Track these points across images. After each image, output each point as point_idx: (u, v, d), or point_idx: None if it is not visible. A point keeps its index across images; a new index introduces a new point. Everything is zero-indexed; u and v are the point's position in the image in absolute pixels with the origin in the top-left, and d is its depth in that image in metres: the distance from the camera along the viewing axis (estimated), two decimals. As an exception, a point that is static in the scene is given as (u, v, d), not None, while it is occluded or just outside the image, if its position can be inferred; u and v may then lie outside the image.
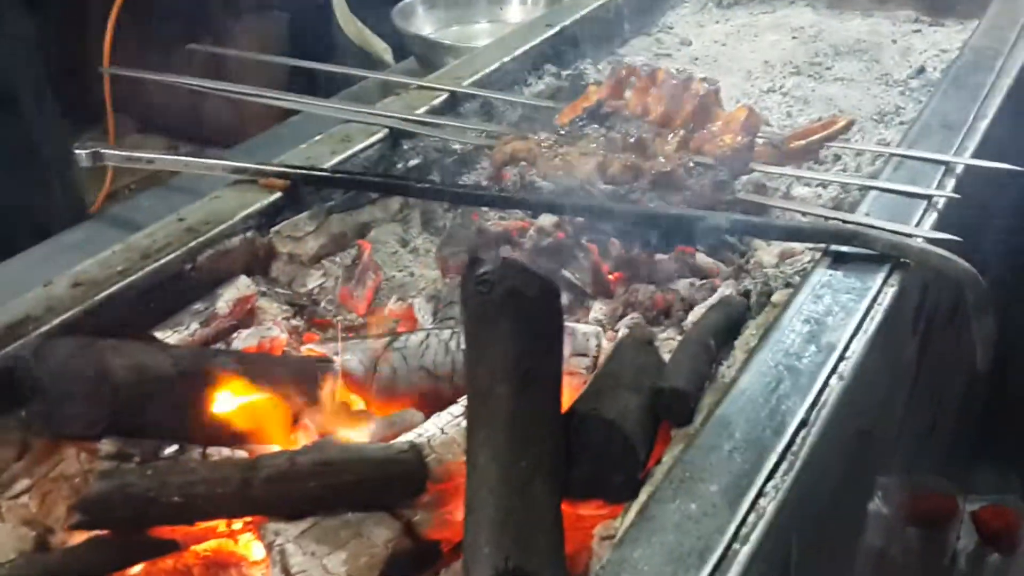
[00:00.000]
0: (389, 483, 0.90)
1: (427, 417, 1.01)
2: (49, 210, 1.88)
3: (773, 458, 0.82)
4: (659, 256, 1.27)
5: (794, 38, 1.95)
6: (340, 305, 1.22)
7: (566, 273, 1.25)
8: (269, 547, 0.87)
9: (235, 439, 0.97)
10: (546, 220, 1.32)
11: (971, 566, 1.93)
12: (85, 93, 2.50)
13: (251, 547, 0.92)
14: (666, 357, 1.05)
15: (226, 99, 1.60)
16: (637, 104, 1.35)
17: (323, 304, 1.22)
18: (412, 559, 0.89)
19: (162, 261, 1.12)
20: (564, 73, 1.68)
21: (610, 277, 1.26)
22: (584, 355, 1.08)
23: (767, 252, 1.23)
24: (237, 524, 0.91)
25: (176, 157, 1.29)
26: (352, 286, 1.23)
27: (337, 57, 2.61)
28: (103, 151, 1.29)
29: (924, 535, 1.78)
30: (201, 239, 1.16)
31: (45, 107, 1.91)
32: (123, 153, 1.29)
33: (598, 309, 1.21)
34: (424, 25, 2.01)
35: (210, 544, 0.92)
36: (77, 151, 1.29)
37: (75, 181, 2.02)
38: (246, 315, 1.16)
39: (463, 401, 0.98)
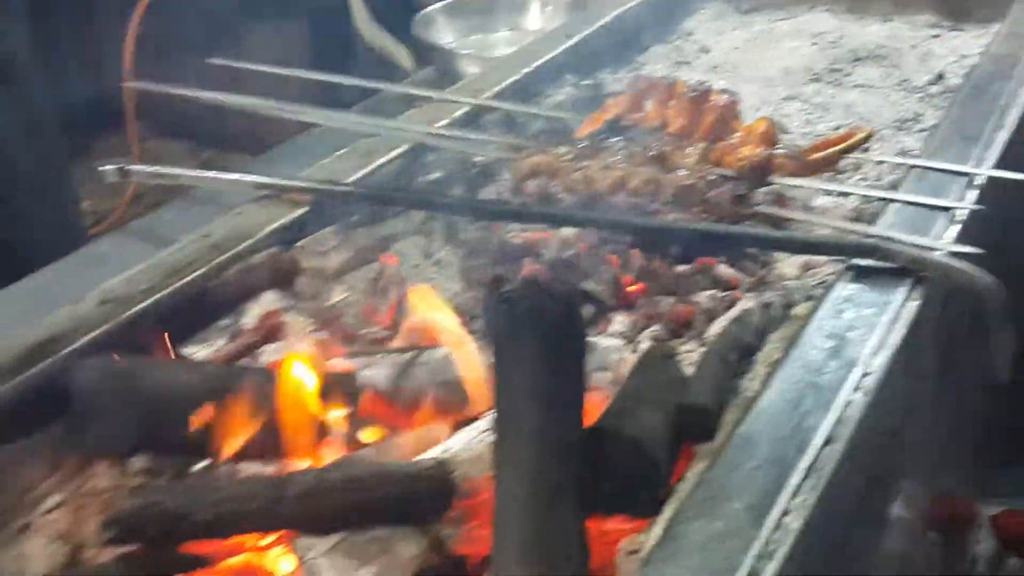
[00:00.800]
0: (416, 499, 0.91)
1: (451, 432, 1.02)
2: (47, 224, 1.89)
3: (797, 476, 0.83)
4: (680, 267, 1.28)
5: (813, 44, 1.95)
6: (364, 319, 1.23)
7: (587, 285, 1.26)
8: (301, 562, 0.88)
9: (263, 455, 0.99)
10: (567, 232, 1.33)
11: (990, 570, 1.93)
12: (103, 98, 2.52)
13: (278, 562, 0.93)
14: (687, 369, 1.06)
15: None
16: (656, 116, 1.35)
17: (347, 318, 1.24)
18: (439, 575, 0.90)
19: (188, 279, 1.14)
20: (583, 83, 1.68)
21: (631, 289, 1.27)
22: (605, 370, 1.09)
23: (788, 264, 1.24)
24: (267, 539, 0.92)
25: (201, 173, 1.31)
26: (376, 300, 1.24)
27: (357, 63, 2.63)
28: (128, 168, 1.31)
29: (944, 540, 1.79)
30: (226, 255, 1.18)
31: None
32: (149, 169, 1.32)
33: (619, 321, 1.21)
34: (445, 34, 2.02)
35: (239, 559, 0.94)
36: (102, 168, 1.32)
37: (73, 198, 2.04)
38: (272, 330, 1.18)
39: (488, 416, 0.99)
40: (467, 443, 0.97)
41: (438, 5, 2.04)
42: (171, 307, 1.12)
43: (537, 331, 0.89)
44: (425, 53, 2.00)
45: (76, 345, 1.03)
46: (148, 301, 1.10)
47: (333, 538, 0.89)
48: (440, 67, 1.93)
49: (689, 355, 1.12)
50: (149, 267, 1.15)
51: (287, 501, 0.89)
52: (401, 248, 1.34)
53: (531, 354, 0.89)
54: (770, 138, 1.30)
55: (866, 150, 1.43)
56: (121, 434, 0.97)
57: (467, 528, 0.92)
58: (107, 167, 1.31)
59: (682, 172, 1.25)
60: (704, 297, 1.23)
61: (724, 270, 1.27)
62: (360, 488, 0.90)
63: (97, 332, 1.05)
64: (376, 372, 1.08)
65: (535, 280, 0.94)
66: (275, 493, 0.89)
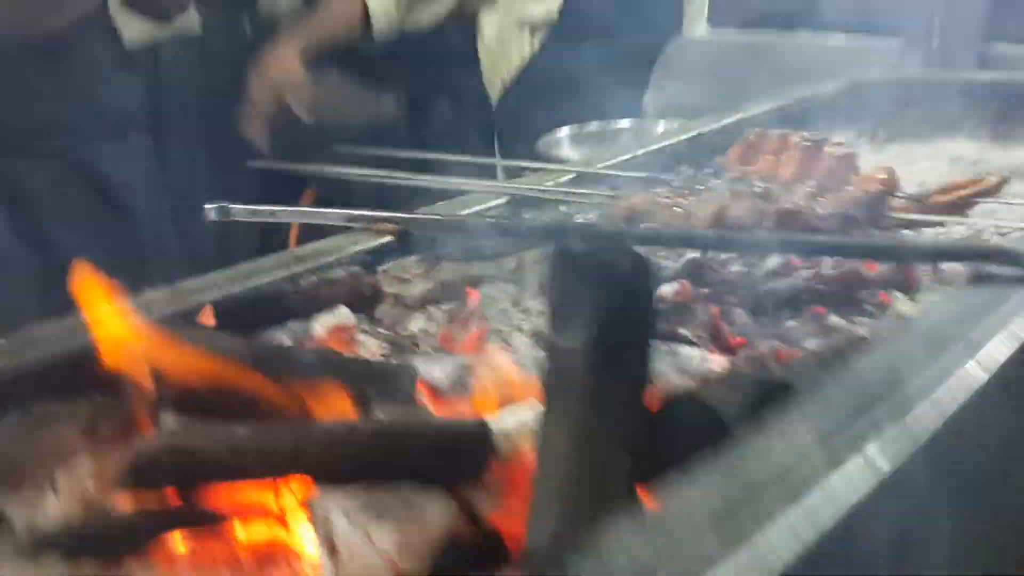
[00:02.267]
0: (449, 453, 0.81)
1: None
2: None
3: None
4: (789, 323, 1.17)
5: (952, 164, 1.86)
6: (440, 348, 1.17)
7: (682, 330, 1.17)
8: (314, 513, 0.79)
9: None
10: (667, 289, 1.25)
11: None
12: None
13: (294, 514, 0.85)
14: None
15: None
16: (767, 168, 1.29)
17: (423, 348, 1.18)
18: (471, 550, 0.78)
19: (265, 280, 1.12)
20: (699, 175, 1.64)
21: (732, 341, 1.17)
22: (684, 372, 0.98)
23: (906, 305, 1.11)
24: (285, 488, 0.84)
25: (296, 209, 1.32)
26: (456, 329, 1.18)
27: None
28: (230, 207, 1.34)
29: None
30: (307, 266, 1.16)
31: None
32: (248, 208, 1.33)
33: (715, 362, 1.11)
34: (569, 158, 2.04)
35: (261, 531, 0.85)
36: (206, 207, 1.34)
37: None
38: (344, 345, 1.13)
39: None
40: (518, 418, 0.87)
41: (564, 130, 2.09)
42: (241, 303, 1.09)
43: (601, 285, 0.81)
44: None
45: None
46: (220, 295, 1.08)
47: (355, 492, 0.79)
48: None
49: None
50: (229, 270, 1.14)
51: (310, 445, 0.81)
52: (489, 292, 1.29)
53: (589, 307, 0.81)
54: (891, 183, 1.21)
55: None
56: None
57: (504, 501, 0.81)
58: (211, 206, 1.34)
59: (789, 203, 1.16)
60: (812, 344, 1.11)
61: (837, 320, 1.15)
62: (390, 436, 0.81)
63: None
64: (434, 367, 1.01)
65: (600, 235, 0.86)
66: (299, 436, 0.81)
